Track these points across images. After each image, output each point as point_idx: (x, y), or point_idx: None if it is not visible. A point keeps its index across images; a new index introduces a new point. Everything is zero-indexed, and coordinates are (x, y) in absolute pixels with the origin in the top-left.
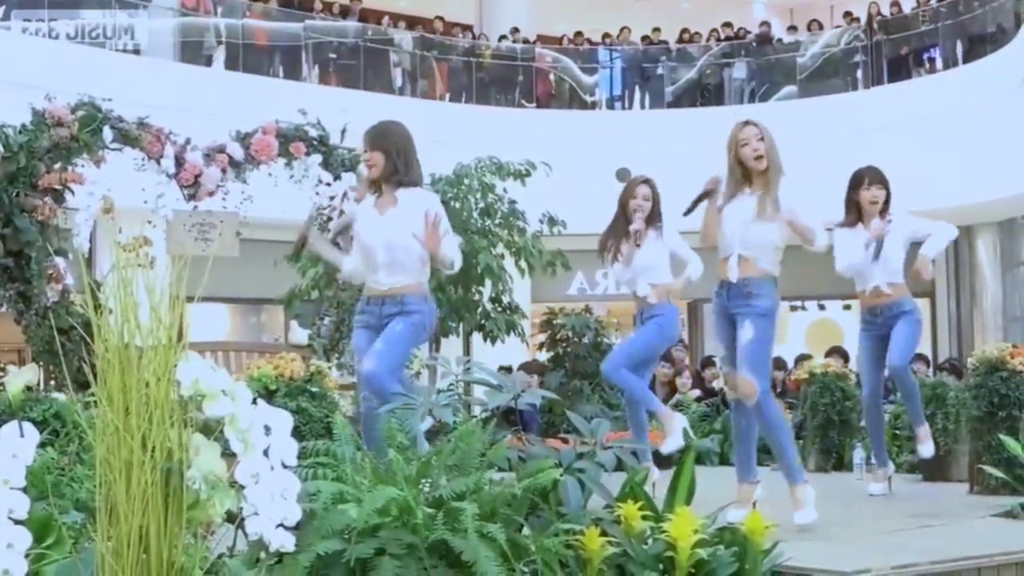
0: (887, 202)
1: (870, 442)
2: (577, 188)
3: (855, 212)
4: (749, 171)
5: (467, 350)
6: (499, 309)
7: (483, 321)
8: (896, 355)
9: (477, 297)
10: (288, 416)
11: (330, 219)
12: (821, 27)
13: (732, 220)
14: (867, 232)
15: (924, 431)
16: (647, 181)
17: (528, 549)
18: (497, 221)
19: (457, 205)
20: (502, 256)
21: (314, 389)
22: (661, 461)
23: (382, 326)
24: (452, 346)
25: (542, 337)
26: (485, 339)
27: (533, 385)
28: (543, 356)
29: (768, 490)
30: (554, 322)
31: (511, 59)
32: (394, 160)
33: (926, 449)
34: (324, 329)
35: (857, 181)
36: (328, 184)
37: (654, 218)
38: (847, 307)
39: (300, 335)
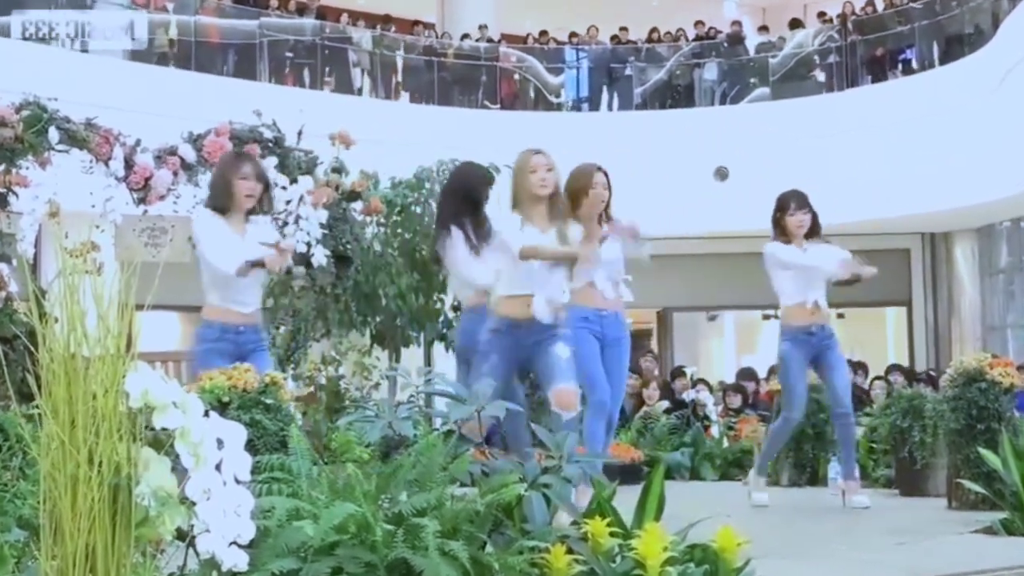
0: (813, 226)
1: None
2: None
3: (784, 236)
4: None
5: (428, 361)
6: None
7: (445, 331)
8: (846, 396)
9: (439, 306)
10: (241, 429)
11: (285, 223)
12: (796, 26)
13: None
14: (800, 250)
15: (856, 483)
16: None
17: (491, 567)
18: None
19: (418, 210)
20: None
21: (269, 401)
22: (629, 476)
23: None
24: (413, 356)
25: None
26: (447, 349)
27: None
28: None
29: (736, 505)
30: None
31: (474, 58)
32: None
33: (860, 500)
34: (279, 339)
35: (782, 206)
36: (284, 188)
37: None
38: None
39: None
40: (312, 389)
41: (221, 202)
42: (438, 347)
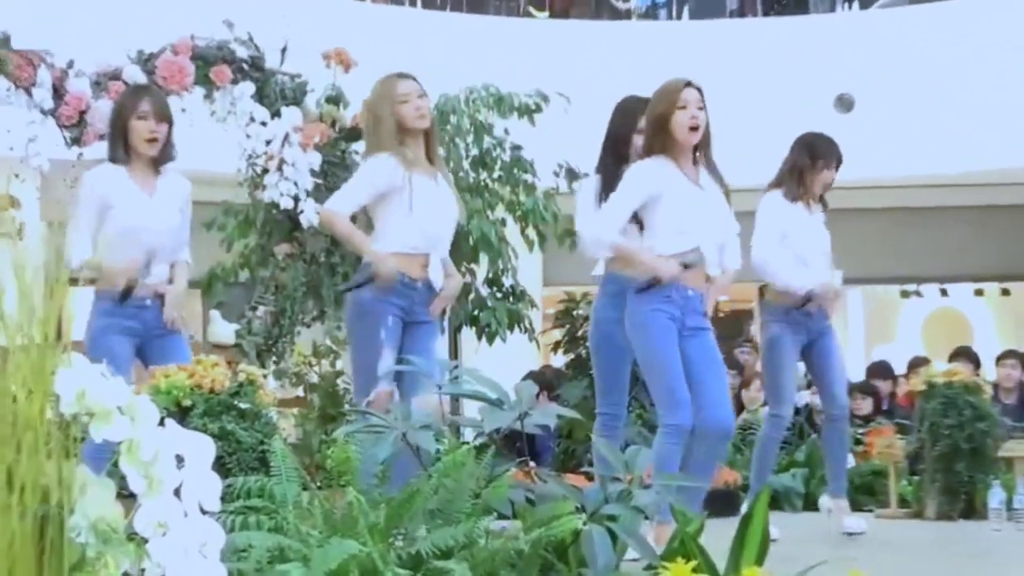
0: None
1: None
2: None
3: (798, 189)
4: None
5: (455, 351)
6: (499, 295)
7: (477, 312)
8: (843, 392)
9: (469, 279)
10: (209, 443)
11: (265, 171)
12: None
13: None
14: (809, 213)
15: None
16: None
17: None
18: (496, 174)
19: (442, 152)
20: (503, 222)
21: (244, 406)
22: (722, 506)
23: None
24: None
25: (558, 334)
26: (480, 336)
27: (545, 401)
28: (560, 360)
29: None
30: (574, 313)
31: None
32: None
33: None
34: (257, 323)
35: (817, 154)
36: (264, 124)
37: None
38: (979, 292)
39: (224, 331)
40: (301, 390)
41: (119, 151)
42: (467, 334)
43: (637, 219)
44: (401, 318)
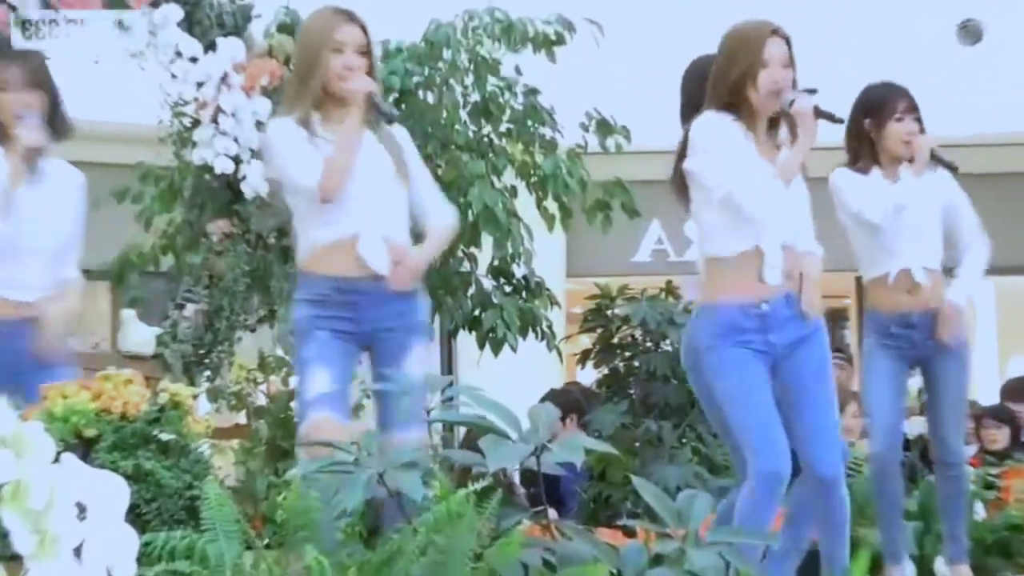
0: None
1: (880, 527)
2: (650, 69)
3: (869, 158)
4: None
5: (449, 364)
6: (508, 289)
7: (478, 311)
8: (957, 436)
9: (468, 267)
10: (121, 485)
11: (196, 123)
12: None
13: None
14: (889, 181)
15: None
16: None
17: None
18: (504, 127)
19: (431, 97)
20: (513, 191)
21: (166, 437)
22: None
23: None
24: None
25: (587, 340)
26: (482, 344)
27: (571, 429)
28: (589, 376)
29: None
30: (608, 312)
31: None
32: None
33: None
34: (185, 326)
35: (878, 105)
36: (194, 60)
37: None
38: None
39: (140, 337)
40: (243, 415)
41: None
42: (465, 340)
43: (684, 187)
44: (344, 331)
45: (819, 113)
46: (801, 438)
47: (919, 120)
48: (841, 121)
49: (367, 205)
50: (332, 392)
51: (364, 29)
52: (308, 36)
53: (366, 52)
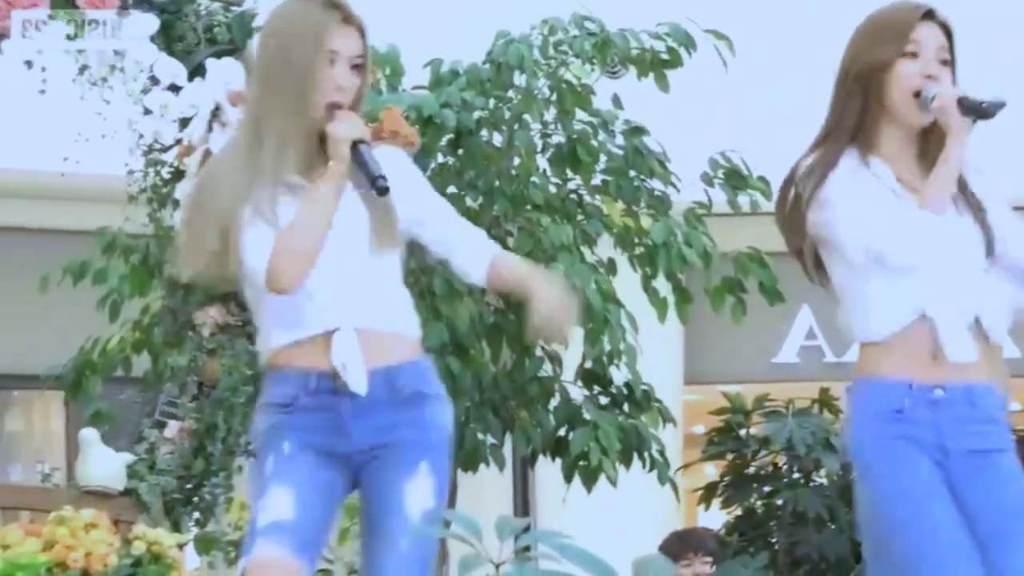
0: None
1: None
2: (792, 92)
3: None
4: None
5: (524, 500)
6: (605, 400)
7: (565, 430)
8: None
9: (550, 370)
10: None
11: (180, 173)
12: None
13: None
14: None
15: None
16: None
17: None
18: (598, 179)
19: (497, 138)
20: (610, 266)
21: None
22: None
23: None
24: (490, 490)
25: (713, 471)
26: (571, 474)
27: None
28: (715, 518)
29: None
30: (742, 432)
31: None
32: None
33: None
34: (166, 450)
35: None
36: (175, 89)
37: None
38: None
39: (105, 467)
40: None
41: None
42: (547, 469)
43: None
44: (320, 447)
45: (967, 107)
46: None
47: None
48: (993, 114)
49: (339, 291)
50: (289, 522)
51: (362, 32)
52: (289, 35)
53: (360, 66)
